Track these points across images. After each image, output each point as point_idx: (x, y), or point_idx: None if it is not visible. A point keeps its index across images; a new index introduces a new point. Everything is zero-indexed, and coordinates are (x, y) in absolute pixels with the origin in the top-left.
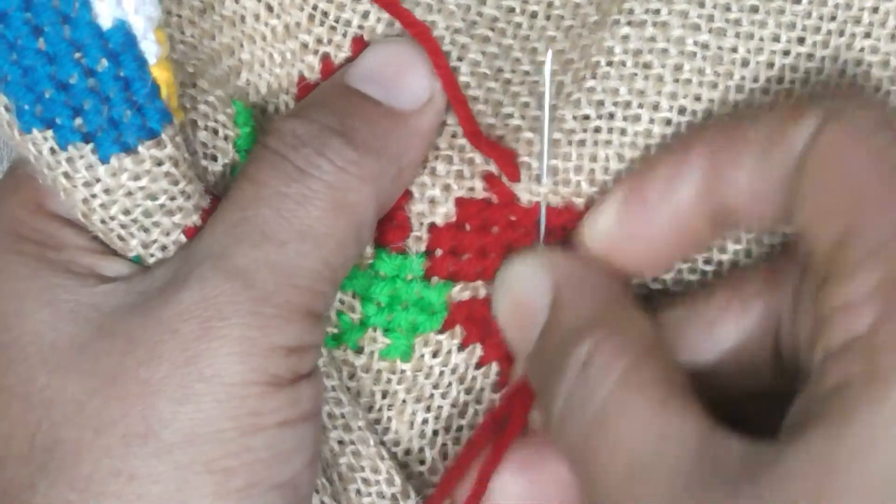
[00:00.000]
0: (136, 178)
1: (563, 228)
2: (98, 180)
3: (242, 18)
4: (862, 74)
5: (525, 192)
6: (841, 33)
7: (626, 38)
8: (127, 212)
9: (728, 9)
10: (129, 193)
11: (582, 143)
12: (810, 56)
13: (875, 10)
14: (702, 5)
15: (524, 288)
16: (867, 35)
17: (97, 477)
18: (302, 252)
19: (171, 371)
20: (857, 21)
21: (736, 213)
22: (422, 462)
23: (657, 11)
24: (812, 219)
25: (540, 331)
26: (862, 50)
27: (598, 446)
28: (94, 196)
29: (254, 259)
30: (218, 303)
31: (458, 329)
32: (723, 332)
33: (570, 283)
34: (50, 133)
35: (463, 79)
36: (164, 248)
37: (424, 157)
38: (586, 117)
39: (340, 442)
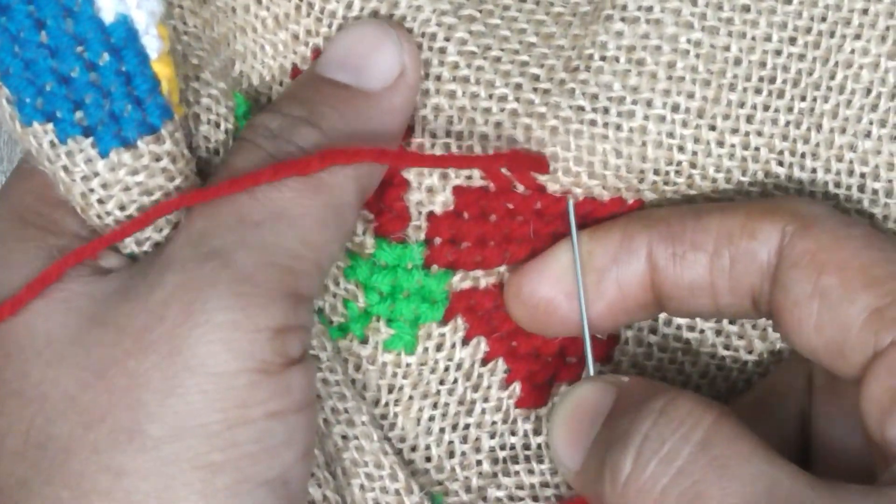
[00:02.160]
0: (134, 173)
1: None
2: (96, 174)
3: (233, 10)
4: (852, 76)
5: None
6: (832, 34)
7: (619, 33)
8: (123, 207)
9: (720, 7)
10: (127, 189)
11: (579, 133)
12: (801, 56)
13: (865, 11)
14: (694, 3)
15: (586, 400)
16: (857, 37)
17: (87, 474)
18: (277, 231)
19: (158, 361)
20: (847, 22)
21: (673, 301)
22: (428, 459)
23: (650, 8)
24: (823, 312)
25: (601, 425)
26: (853, 52)
27: (704, 493)
28: (91, 191)
29: (230, 240)
30: (199, 285)
31: (459, 321)
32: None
33: (636, 380)
34: (50, 126)
35: (451, 59)
36: (156, 244)
37: (402, 133)
38: (581, 108)
39: (344, 437)
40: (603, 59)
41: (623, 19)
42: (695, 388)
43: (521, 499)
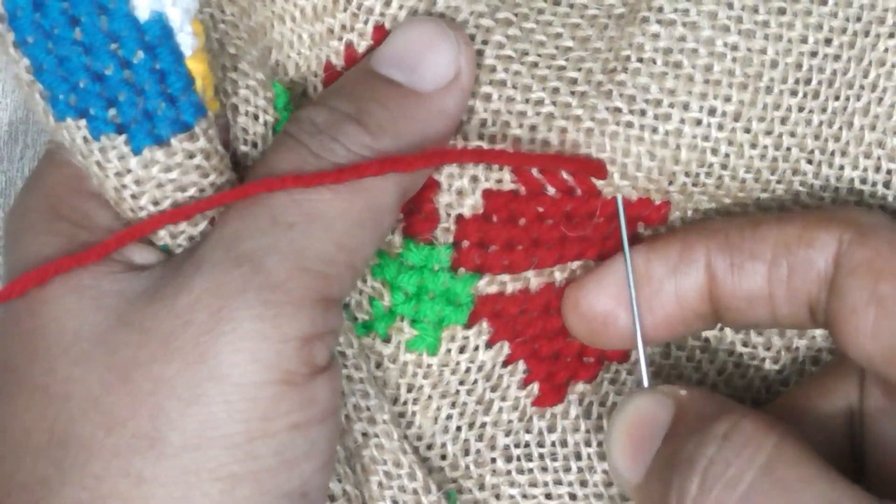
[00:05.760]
0: (168, 170)
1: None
2: (129, 171)
3: None
4: (885, 74)
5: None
6: (866, 34)
7: (656, 35)
8: (156, 202)
9: (756, 10)
10: (160, 185)
11: (615, 135)
12: (837, 57)
13: None
14: (730, 6)
15: (645, 412)
16: (891, 35)
17: (106, 477)
18: (310, 233)
19: (182, 368)
20: (882, 21)
21: (731, 312)
22: (443, 457)
23: (686, 11)
24: (880, 320)
25: (661, 442)
26: (886, 50)
27: None
28: (124, 186)
29: (263, 244)
30: (228, 291)
31: (484, 325)
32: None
33: (693, 395)
34: (83, 122)
35: (488, 62)
36: (191, 238)
37: (450, 136)
38: (618, 110)
39: (364, 434)
40: (640, 60)
41: (659, 21)
42: (711, 385)
43: (535, 496)
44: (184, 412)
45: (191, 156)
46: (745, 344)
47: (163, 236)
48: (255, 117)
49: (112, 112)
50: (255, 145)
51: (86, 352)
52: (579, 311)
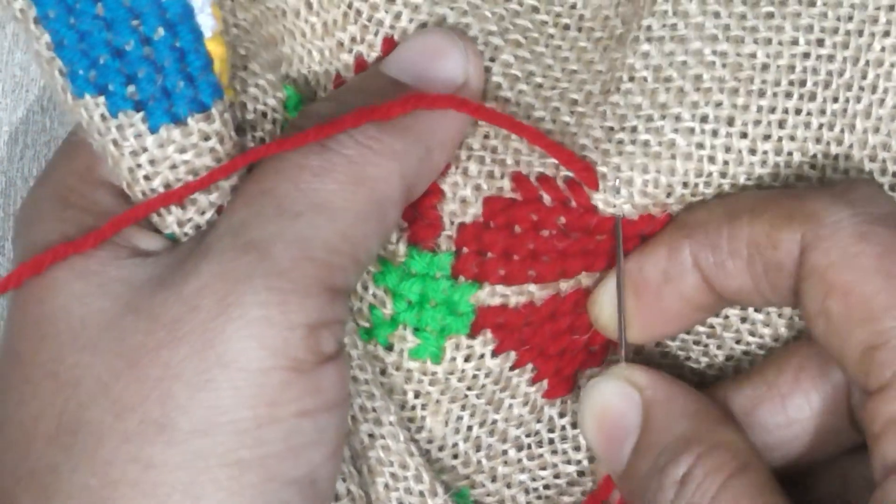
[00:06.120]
0: (182, 150)
1: (585, 228)
2: (145, 150)
3: (283, 13)
4: (884, 75)
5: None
6: (860, 33)
7: (646, 54)
8: (168, 186)
9: (744, 17)
10: (174, 166)
11: (606, 152)
12: (831, 57)
13: (891, 8)
14: (717, 16)
15: (614, 408)
16: (886, 34)
17: (116, 463)
18: (316, 224)
19: (190, 354)
20: (875, 20)
21: (732, 300)
22: (455, 456)
23: (674, 26)
24: (829, 332)
25: (632, 450)
26: (883, 50)
27: None
28: (139, 166)
29: (269, 232)
30: (235, 277)
31: (488, 335)
32: (795, 407)
33: (659, 400)
34: (102, 99)
35: (494, 79)
36: (198, 227)
37: (459, 139)
38: (611, 129)
39: (371, 435)
40: (632, 79)
41: (649, 39)
42: (718, 370)
43: (543, 478)
44: (192, 398)
45: (206, 137)
46: (752, 334)
47: (170, 224)
48: (264, 115)
49: (131, 89)
50: (262, 142)
51: (93, 338)
52: (599, 323)
